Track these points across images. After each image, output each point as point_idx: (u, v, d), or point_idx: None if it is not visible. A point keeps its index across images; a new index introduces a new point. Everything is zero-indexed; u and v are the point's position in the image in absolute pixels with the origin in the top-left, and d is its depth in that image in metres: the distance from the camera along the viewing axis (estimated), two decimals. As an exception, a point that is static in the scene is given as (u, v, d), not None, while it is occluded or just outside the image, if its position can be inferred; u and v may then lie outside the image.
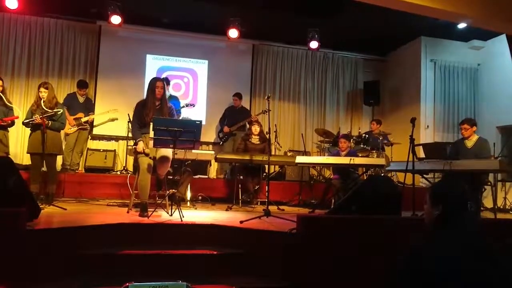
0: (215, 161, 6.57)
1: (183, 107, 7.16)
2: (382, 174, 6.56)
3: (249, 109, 8.13)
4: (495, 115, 8.06)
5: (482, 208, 6.15)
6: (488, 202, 6.53)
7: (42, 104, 4.92)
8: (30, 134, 5.07)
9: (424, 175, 5.53)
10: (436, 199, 1.78)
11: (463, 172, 4.79)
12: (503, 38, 6.26)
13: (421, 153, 5.90)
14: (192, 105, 7.38)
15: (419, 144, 6.21)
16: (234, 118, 7.52)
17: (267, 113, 4.96)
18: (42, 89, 4.98)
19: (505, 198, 7.24)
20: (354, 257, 3.12)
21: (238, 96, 7.67)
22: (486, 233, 1.74)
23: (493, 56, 8.16)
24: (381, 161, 5.61)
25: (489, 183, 5.36)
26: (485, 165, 4.82)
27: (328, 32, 7.79)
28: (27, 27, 7.64)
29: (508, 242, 1.67)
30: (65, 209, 4.44)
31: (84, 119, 6.79)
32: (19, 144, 7.47)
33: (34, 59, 7.69)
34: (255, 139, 6.36)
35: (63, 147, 5.93)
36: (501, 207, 7.05)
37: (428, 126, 8.37)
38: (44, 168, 5.11)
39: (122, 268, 3.16)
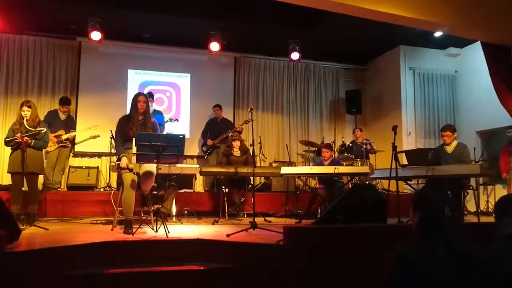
0: (200, 175, 6.53)
1: (167, 121, 7.13)
2: (367, 182, 6.62)
3: (232, 121, 8.13)
4: (474, 120, 8.24)
5: (465, 212, 6.24)
6: (471, 206, 6.63)
7: (25, 123, 4.84)
8: (11, 154, 4.96)
9: (408, 182, 5.59)
10: (415, 205, 1.82)
11: (445, 177, 4.87)
12: (478, 45, 6.45)
13: (404, 160, 5.98)
14: (176, 120, 7.36)
15: (402, 151, 6.29)
16: (216, 131, 7.50)
17: (250, 123, 4.97)
18: (25, 108, 4.89)
19: (487, 201, 7.37)
20: (342, 266, 3.12)
21: (219, 106, 7.67)
22: (470, 237, 1.76)
23: (470, 63, 8.37)
24: (365, 169, 5.67)
25: (471, 187, 5.46)
26: (466, 169, 4.91)
27: (309, 43, 7.89)
28: (5, 45, 7.54)
29: None
30: (47, 229, 4.33)
31: (64, 137, 6.69)
32: (-1, 164, 7.31)
33: (13, 77, 7.57)
34: (236, 152, 6.35)
35: (44, 165, 5.81)
36: (484, 210, 7.17)
37: (409, 132, 8.50)
38: (25, 188, 5.01)
39: (108, 288, 3.10)
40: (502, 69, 5.68)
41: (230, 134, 7.20)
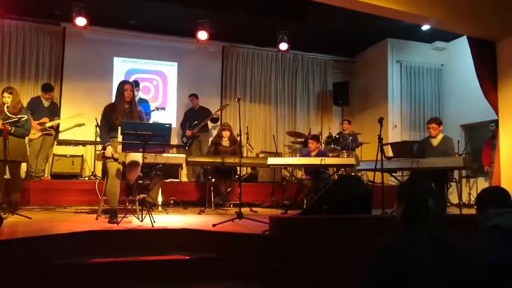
0: (187, 165, 6.50)
1: (153, 110, 7.06)
2: (353, 174, 6.68)
3: (220, 107, 8.03)
4: (459, 113, 8.36)
5: (448, 204, 6.35)
6: (453, 198, 6.75)
7: (6, 109, 4.74)
8: (-8, 141, 4.86)
9: (393, 174, 5.66)
10: (399, 197, 1.84)
11: (430, 169, 4.93)
12: (464, 39, 6.51)
13: (389, 152, 6.04)
14: (163, 108, 7.28)
15: (387, 143, 6.35)
16: (195, 120, 7.42)
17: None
18: (5, 94, 4.79)
19: (469, 193, 7.51)
20: (327, 257, 3.15)
21: (195, 96, 7.59)
22: (452, 229, 1.79)
23: (456, 57, 8.46)
24: (351, 160, 5.70)
25: (454, 180, 5.55)
26: (450, 162, 4.98)
27: (297, 34, 7.86)
28: (-14, 29, 7.34)
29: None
30: (30, 217, 4.27)
31: (49, 124, 6.57)
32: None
33: (-5, 62, 7.39)
34: (225, 142, 6.33)
35: (28, 153, 5.71)
36: (466, 202, 7.31)
37: (395, 125, 8.58)
38: (7, 176, 4.93)
39: (93, 278, 3.07)
40: (487, 64, 5.75)
41: (210, 119, 7.26)
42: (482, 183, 7.33)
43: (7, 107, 4.76)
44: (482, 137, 7.37)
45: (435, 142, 5.44)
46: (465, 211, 5.82)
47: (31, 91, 7.44)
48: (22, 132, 4.88)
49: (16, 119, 4.75)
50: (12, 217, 4.32)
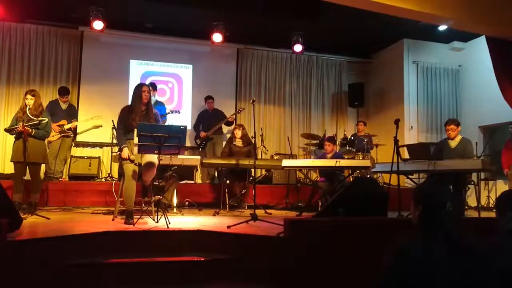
0: (202, 166, 6.53)
1: (168, 113, 7.11)
2: (368, 176, 6.61)
3: (235, 111, 8.06)
4: (477, 115, 8.21)
5: (466, 207, 6.24)
6: (472, 201, 6.63)
7: (28, 111, 4.84)
8: (14, 142, 4.97)
9: (409, 176, 5.58)
10: (416, 199, 1.81)
11: (447, 172, 4.85)
12: (482, 39, 6.40)
13: (405, 154, 5.96)
14: (178, 111, 7.34)
15: (404, 145, 6.27)
16: (208, 122, 7.44)
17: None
18: (28, 96, 4.89)
19: (488, 196, 7.36)
20: (342, 259, 3.13)
21: (212, 98, 7.61)
22: (470, 232, 1.76)
23: (474, 57, 8.31)
24: (366, 163, 5.65)
25: (472, 182, 5.44)
26: (468, 164, 4.89)
27: (312, 35, 7.84)
28: (6, 34, 7.51)
29: None
30: (49, 218, 4.35)
31: (67, 126, 6.68)
32: (0, 153, 7.32)
33: (15, 66, 7.56)
34: (238, 142, 6.35)
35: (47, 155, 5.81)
36: (485, 205, 7.17)
37: (412, 127, 8.47)
38: (28, 177, 5.02)
39: (109, 278, 3.11)
40: (506, 64, 5.64)
41: (225, 123, 7.28)
42: (501, 186, 7.18)
43: (29, 109, 4.86)
44: (502, 139, 7.22)
45: (453, 144, 5.35)
46: (484, 214, 5.69)
47: (50, 94, 7.59)
48: (42, 134, 4.98)
49: (37, 121, 4.85)
50: (31, 217, 4.40)
